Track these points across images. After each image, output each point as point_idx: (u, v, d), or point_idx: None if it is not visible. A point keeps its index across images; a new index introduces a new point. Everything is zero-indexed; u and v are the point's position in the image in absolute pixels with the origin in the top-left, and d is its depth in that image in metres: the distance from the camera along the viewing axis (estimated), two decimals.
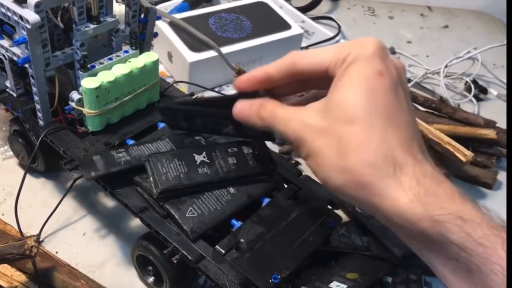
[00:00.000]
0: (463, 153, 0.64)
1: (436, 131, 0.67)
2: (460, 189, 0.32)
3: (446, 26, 1.08)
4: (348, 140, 0.32)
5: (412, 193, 0.31)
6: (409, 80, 0.87)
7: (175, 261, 0.45)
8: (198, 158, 0.49)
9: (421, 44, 1.02)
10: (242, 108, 0.41)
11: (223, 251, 0.45)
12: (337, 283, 0.46)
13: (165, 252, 0.45)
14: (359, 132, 0.32)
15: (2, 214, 0.59)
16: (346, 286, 0.45)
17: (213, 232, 0.48)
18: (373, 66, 0.34)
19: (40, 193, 0.62)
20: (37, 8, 0.47)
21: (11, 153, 0.66)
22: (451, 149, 0.64)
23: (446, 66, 0.83)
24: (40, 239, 0.48)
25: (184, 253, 0.45)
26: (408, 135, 0.33)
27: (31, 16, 0.47)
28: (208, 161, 0.49)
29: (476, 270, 0.29)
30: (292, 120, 0.36)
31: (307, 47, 0.90)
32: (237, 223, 0.48)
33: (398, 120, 0.33)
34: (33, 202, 0.61)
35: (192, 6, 0.93)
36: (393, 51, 0.97)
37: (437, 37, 1.05)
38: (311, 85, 0.41)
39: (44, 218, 0.57)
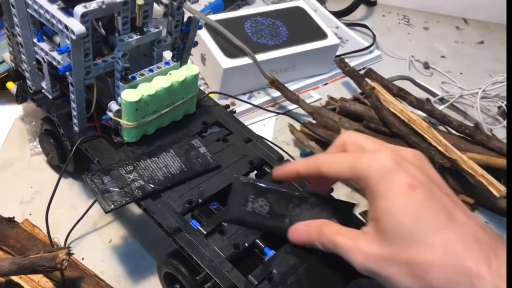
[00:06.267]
0: (497, 188, 0.63)
1: (470, 162, 0.66)
2: None
3: (482, 42, 1.06)
4: (416, 263, 0.32)
5: None
6: (443, 100, 0.86)
7: None
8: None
9: (455, 59, 1.00)
10: (300, 233, 0.44)
11: (256, 282, 0.45)
12: None
13: (197, 278, 0.45)
14: (423, 252, 0.32)
15: (30, 214, 0.59)
16: None
17: (245, 257, 0.48)
18: (400, 181, 0.34)
19: (67, 195, 0.62)
20: (83, 18, 0.46)
21: (40, 149, 0.65)
22: (485, 183, 0.63)
23: (483, 91, 0.81)
24: (71, 249, 0.48)
25: (217, 281, 0.44)
26: (472, 237, 0.32)
27: (77, 27, 0.46)
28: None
29: None
30: (354, 253, 0.36)
31: (341, 56, 0.89)
32: (270, 252, 0.47)
33: (455, 225, 0.32)
34: (60, 204, 0.61)
35: (227, 4, 0.91)
36: (427, 66, 0.95)
37: (471, 53, 1.03)
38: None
39: (70, 221, 0.57)
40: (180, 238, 0.47)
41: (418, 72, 0.94)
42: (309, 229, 0.42)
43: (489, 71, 0.96)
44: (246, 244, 0.47)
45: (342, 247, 0.38)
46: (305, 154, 0.73)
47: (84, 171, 0.51)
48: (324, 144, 0.73)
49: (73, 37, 0.46)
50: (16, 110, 0.71)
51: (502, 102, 0.84)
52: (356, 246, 0.36)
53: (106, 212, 0.48)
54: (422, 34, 1.05)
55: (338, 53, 0.88)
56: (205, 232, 0.48)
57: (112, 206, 0.48)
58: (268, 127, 0.77)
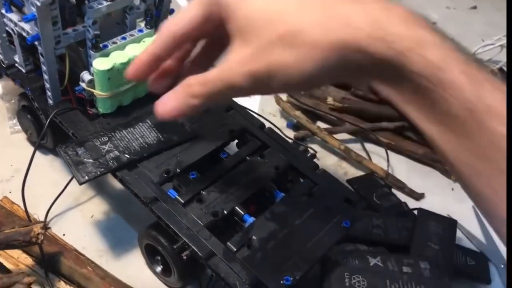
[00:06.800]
0: None
1: None
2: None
3: (475, 7, 1.03)
4: (298, 25, 0.28)
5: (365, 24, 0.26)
6: None
7: (184, 257, 0.43)
8: None
9: (447, 26, 0.94)
10: (167, 101, 0.34)
11: (235, 249, 0.44)
12: None
13: (175, 246, 0.44)
14: (295, 13, 0.28)
15: (10, 192, 0.58)
16: None
17: (224, 225, 0.47)
18: None
19: (48, 171, 0.61)
20: None
21: (20, 127, 0.64)
22: None
23: (474, 54, 0.79)
24: (47, 223, 0.47)
25: (194, 249, 0.43)
26: None
27: None
28: None
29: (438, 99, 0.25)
30: (231, 71, 0.31)
31: None
32: (249, 219, 0.46)
33: None
34: (41, 181, 0.59)
35: None
36: None
37: (464, 19, 1.00)
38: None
39: (51, 198, 0.56)
40: (157, 208, 0.46)
41: None
42: (174, 92, 0.34)
43: (482, 36, 0.93)
44: (225, 212, 0.46)
45: (220, 79, 0.32)
46: (291, 124, 0.71)
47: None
48: (311, 114, 0.71)
49: (38, 4, 0.44)
50: None
51: (494, 66, 0.82)
52: (230, 65, 0.31)
53: (80, 184, 0.46)
54: (413, 1, 1.02)
55: None
56: (183, 201, 0.46)
57: (86, 178, 0.47)
58: (254, 98, 0.75)
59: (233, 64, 0.31)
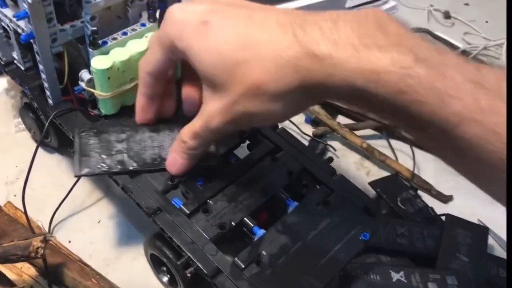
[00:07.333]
0: None
1: None
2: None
3: None
4: (254, 84, 0.31)
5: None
6: (465, 52, 0.78)
7: (188, 274, 0.40)
8: None
9: (480, 6, 0.90)
10: (175, 162, 0.42)
11: (243, 265, 0.40)
12: None
13: (178, 262, 0.41)
14: (251, 70, 0.31)
15: (14, 195, 0.56)
16: None
17: (231, 236, 0.43)
18: (192, 24, 0.33)
19: (54, 172, 0.59)
20: None
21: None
22: None
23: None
24: (49, 234, 0.44)
25: (199, 265, 0.40)
26: (274, 24, 0.31)
27: None
28: None
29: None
30: (210, 122, 0.36)
31: (353, 8, 0.81)
32: (259, 231, 0.43)
33: (254, 27, 0.31)
34: (46, 182, 0.57)
35: None
36: (447, 16, 0.86)
37: None
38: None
39: (58, 201, 0.53)
40: (160, 219, 0.43)
41: (437, 23, 0.85)
42: (175, 151, 0.42)
43: None
44: (233, 223, 0.43)
45: (201, 130, 0.37)
46: (309, 119, 0.67)
47: (69, 146, 0.47)
48: (331, 108, 0.66)
49: (29, 1, 0.41)
50: (1, 83, 0.67)
51: None
52: (206, 116, 0.36)
53: (75, 176, 0.44)
54: None
55: (351, 5, 0.80)
56: (188, 212, 0.43)
57: (83, 173, 0.44)
58: None
59: (213, 113, 0.35)
